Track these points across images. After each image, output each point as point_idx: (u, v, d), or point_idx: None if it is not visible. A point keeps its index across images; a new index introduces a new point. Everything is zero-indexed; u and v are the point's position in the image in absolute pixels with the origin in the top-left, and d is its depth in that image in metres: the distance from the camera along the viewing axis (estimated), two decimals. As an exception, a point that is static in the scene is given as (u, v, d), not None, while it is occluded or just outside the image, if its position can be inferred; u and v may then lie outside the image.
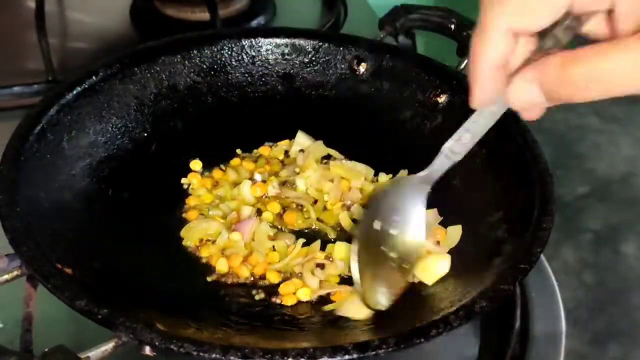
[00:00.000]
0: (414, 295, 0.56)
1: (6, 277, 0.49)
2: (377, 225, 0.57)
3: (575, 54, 0.41)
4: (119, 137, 0.64)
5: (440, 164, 0.55)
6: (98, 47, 0.96)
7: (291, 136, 0.69)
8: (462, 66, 0.69)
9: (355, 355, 0.45)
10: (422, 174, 0.56)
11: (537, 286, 0.68)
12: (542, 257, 0.70)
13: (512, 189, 0.58)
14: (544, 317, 0.65)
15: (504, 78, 0.45)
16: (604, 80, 0.40)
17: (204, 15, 0.94)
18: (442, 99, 0.67)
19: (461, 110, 0.64)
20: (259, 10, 1.00)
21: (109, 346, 0.45)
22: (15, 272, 0.49)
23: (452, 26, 0.71)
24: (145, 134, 0.66)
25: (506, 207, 0.58)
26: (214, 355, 0.44)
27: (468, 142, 0.53)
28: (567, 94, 0.42)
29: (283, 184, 0.66)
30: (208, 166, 0.67)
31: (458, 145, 0.54)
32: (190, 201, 0.64)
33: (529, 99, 0.44)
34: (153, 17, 0.98)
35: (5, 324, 0.60)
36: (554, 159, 2.24)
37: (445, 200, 0.63)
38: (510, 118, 0.62)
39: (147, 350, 0.46)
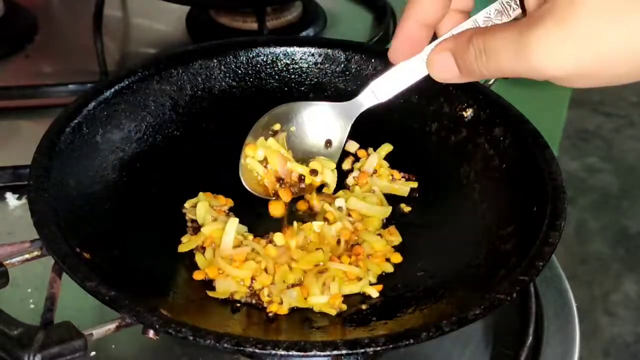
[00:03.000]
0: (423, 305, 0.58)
1: (27, 256, 0.52)
2: (276, 126, 0.65)
3: (484, 29, 0.43)
4: (152, 135, 0.67)
5: (366, 98, 0.61)
6: (154, 52, 1.01)
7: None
8: (491, 82, 0.69)
9: (344, 351, 0.46)
10: (346, 103, 0.63)
11: (556, 308, 0.68)
12: (564, 276, 0.70)
13: (527, 204, 0.59)
14: (558, 337, 0.65)
15: (425, 38, 0.50)
16: (492, 57, 0.42)
17: (254, 25, 0.97)
18: (468, 113, 0.68)
19: (486, 126, 0.66)
20: (310, 22, 1.03)
21: (112, 326, 0.47)
22: (36, 253, 0.52)
23: (485, 42, 0.71)
24: (178, 134, 0.69)
25: (519, 221, 0.59)
26: (208, 342, 0.46)
27: (395, 87, 0.58)
28: (473, 67, 0.44)
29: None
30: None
31: (385, 87, 0.59)
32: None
33: (444, 67, 0.47)
34: (207, 25, 1.02)
35: (36, 306, 0.64)
36: (621, 188, 2.21)
37: (462, 212, 0.64)
38: (530, 134, 0.63)
39: (151, 334, 0.48)
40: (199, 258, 0.61)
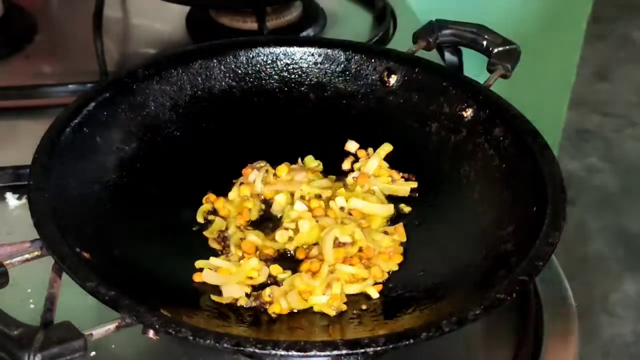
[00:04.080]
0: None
1: (27, 256, 0.52)
2: None
3: None
4: (152, 135, 0.67)
5: None
6: (154, 52, 1.01)
7: (320, 145, 0.71)
8: (491, 82, 0.69)
9: (344, 351, 0.46)
10: None
11: (556, 308, 0.68)
12: (564, 276, 0.70)
13: (527, 205, 0.59)
14: (558, 337, 0.65)
15: None
16: None
17: (254, 25, 0.97)
18: (468, 113, 0.68)
19: (486, 126, 0.66)
20: (310, 22, 1.02)
21: (111, 326, 0.47)
22: (36, 253, 0.52)
23: (484, 42, 0.72)
24: (178, 134, 0.69)
25: (518, 221, 0.59)
26: (208, 342, 0.46)
27: None
28: None
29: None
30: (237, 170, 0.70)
31: None
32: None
33: None
34: (207, 25, 1.01)
35: (36, 306, 0.64)
36: (621, 188, 2.22)
37: (462, 212, 0.64)
38: (530, 134, 0.63)
39: (151, 333, 0.48)
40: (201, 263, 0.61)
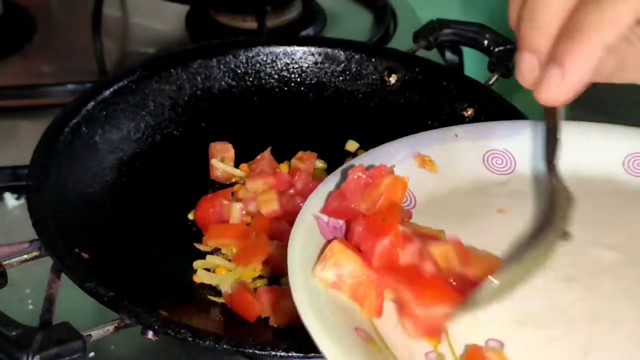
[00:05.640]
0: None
1: (25, 256, 0.52)
2: None
3: None
4: (151, 134, 0.67)
5: None
6: (153, 51, 1.01)
7: (320, 145, 0.71)
8: (492, 81, 0.69)
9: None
10: None
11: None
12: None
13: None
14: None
15: None
16: None
17: (254, 24, 0.97)
18: (469, 112, 0.68)
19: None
20: (309, 22, 1.02)
21: (110, 326, 0.47)
22: (34, 253, 0.52)
23: (485, 42, 0.71)
24: (177, 133, 0.69)
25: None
26: (207, 343, 0.46)
27: None
28: None
29: None
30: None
31: None
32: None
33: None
34: (207, 24, 1.01)
35: (35, 306, 0.64)
36: None
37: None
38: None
39: (150, 334, 0.48)
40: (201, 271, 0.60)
